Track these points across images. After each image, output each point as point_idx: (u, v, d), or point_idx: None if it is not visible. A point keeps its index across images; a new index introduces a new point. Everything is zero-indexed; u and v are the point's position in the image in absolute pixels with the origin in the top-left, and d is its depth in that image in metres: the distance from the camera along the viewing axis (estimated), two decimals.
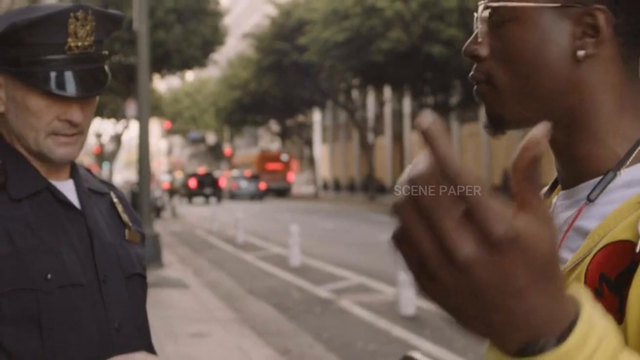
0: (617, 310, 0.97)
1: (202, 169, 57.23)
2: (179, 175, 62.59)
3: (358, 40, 34.29)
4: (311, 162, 62.21)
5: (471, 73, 1.15)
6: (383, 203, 38.86)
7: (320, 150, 63.32)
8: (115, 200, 2.01)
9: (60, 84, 1.79)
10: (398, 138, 48.38)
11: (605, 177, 1.07)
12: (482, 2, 1.14)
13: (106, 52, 1.89)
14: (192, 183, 50.93)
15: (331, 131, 61.45)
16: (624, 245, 0.99)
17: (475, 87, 1.15)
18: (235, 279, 13.99)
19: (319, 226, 25.70)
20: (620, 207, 1.03)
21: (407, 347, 7.94)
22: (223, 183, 53.32)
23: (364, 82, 40.66)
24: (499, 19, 1.11)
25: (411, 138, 45.46)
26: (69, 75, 1.79)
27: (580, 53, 1.08)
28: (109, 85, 1.88)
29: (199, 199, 51.12)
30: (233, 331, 9.15)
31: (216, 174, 54.79)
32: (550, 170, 1.12)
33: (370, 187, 44.40)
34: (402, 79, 35.90)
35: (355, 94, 47.24)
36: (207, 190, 50.08)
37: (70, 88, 1.79)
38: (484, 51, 1.12)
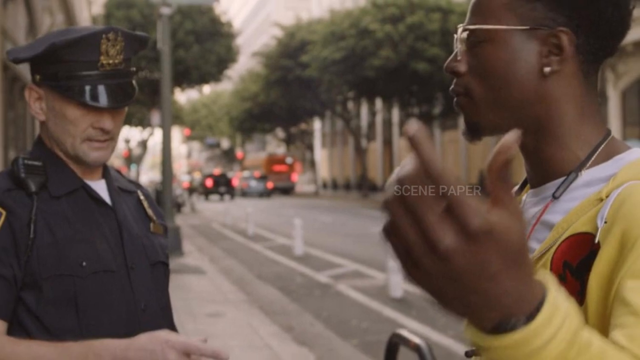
0: (578, 293, 0.97)
1: (217, 170, 57.18)
2: (197, 176, 62.53)
3: (353, 58, 34.29)
4: (312, 164, 62.18)
5: (451, 87, 1.15)
6: (375, 200, 38.81)
7: (320, 153, 63.27)
8: (141, 197, 2.01)
9: (94, 96, 1.79)
10: (388, 143, 48.35)
11: (569, 177, 1.08)
12: (461, 25, 1.14)
13: (134, 69, 1.89)
14: (209, 182, 50.87)
15: (329, 137, 61.40)
16: (585, 237, 0.99)
17: (455, 99, 1.15)
18: (246, 266, 13.98)
19: (319, 220, 25.68)
20: (582, 203, 1.03)
21: (396, 325, 7.94)
22: (235, 182, 53.26)
23: (358, 95, 40.64)
24: (475, 40, 1.11)
25: (399, 143, 45.45)
26: (101, 89, 1.80)
27: (547, 69, 1.08)
28: (136, 97, 1.87)
29: (214, 196, 51.07)
30: (244, 311, 9.14)
31: (229, 174, 54.67)
32: (520, 171, 1.12)
33: (363, 186, 44.36)
34: (391, 91, 35.89)
35: (350, 104, 47.17)
36: (222, 189, 50.03)
37: (103, 100, 1.79)
38: (462, 68, 1.13)
